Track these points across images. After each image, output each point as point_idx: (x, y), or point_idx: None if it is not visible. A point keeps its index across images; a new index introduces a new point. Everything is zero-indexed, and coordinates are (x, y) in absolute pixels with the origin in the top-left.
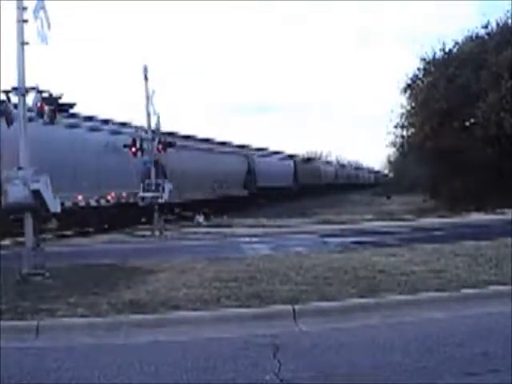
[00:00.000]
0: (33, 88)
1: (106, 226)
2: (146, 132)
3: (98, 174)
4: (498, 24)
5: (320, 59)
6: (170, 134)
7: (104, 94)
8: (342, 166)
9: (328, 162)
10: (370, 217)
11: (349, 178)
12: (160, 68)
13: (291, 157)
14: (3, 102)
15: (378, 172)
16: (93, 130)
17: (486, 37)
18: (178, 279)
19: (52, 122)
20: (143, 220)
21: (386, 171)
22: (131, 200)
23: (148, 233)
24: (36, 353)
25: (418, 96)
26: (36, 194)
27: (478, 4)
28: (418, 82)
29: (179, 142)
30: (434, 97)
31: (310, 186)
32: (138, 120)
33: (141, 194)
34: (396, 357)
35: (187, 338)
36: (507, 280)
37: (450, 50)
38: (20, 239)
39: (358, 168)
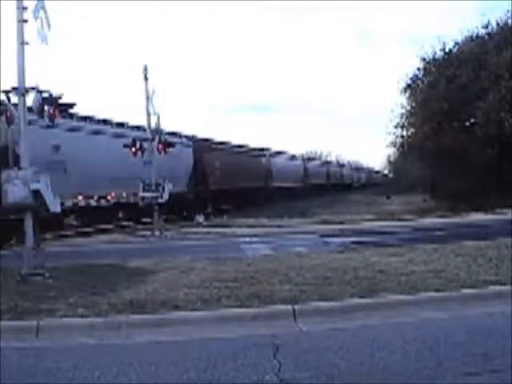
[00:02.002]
0: (33, 88)
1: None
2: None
3: None
4: (498, 24)
5: (320, 59)
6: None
7: (104, 94)
8: (310, 159)
9: (281, 154)
10: (369, 217)
11: (329, 177)
12: (160, 68)
13: (190, 141)
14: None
15: (377, 172)
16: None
17: (486, 37)
18: (178, 279)
19: (52, 122)
20: (143, 220)
21: (386, 171)
22: (131, 200)
23: (148, 233)
24: (36, 353)
25: (417, 96)
26: (36, 194)
27: (478, 4)
28: (418, 82)
29: None
30: (434, 97)
31: (239, 190)
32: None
33: (141, 193)
34: (396, 357)
35: (187, 337)
36: (507, 280)
37: (450, 50)
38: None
39: (343, 166)
